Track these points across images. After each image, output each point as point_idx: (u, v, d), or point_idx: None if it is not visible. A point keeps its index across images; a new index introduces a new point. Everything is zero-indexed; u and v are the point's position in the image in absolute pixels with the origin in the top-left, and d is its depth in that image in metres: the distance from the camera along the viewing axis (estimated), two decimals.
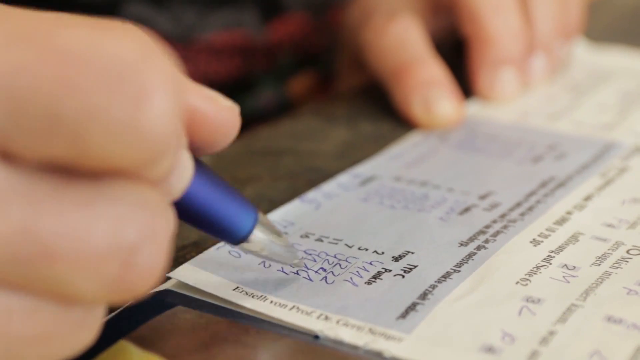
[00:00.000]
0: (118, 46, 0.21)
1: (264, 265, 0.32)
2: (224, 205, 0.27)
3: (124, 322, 0.29)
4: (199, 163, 0.27)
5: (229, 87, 0.57)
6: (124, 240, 0.21)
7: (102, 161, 0.21)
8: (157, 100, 0.21)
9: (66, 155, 0.21)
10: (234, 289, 0.30)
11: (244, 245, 0.29)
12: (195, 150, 0.27)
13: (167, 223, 0.22)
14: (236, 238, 0.28)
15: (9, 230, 0.21)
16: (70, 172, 0.21)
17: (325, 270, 0.32)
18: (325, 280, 0.31)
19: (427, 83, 0.46)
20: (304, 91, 0.62)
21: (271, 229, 0.29)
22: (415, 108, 0.46)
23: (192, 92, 0.26)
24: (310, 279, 0.31)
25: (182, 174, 0.25)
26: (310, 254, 0.33)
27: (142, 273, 0.22)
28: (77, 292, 0.22)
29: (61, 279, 0.21)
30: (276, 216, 0.35)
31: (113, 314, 0.30)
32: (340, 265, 0.32)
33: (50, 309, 0.22)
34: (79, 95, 0.20)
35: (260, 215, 0.29)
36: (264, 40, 0.59)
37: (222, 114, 0.27)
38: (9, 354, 0.22)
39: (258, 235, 0.29)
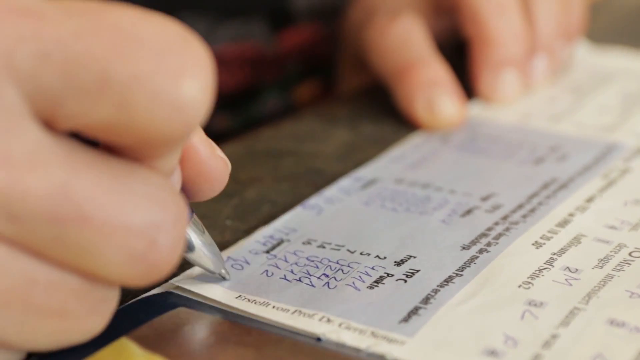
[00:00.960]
0: (163, 26, 0.23)
1: (267, 274, 0.32)
2: None
3: (125, 320, 0.29)
4: None
5: (236, 96, 0.57)
6: (153, 218, 0.23)
7: (143, 128, 0.22)
8: (196, 75, 0.23)
9: (112, 119, 0.22)
10: (236, 297, 0.30)
11: None
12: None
13: (184, 211, 0.24)
14: None
15: (48, 188, 0.22)
16: (106, 150, 0.23)
17: (327, 276, 0.32)
18: (328, 286, 0.31)
19: (430, 83, 0.46)
20: (309, 99, 0.62)
21: (202, 230, 0.30)
22: (418, 108, 0.46)
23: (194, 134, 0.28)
24: (312, 285, 0.31)
25: (178, 177, 0.27)
26: (313, 261, 0.33)
27: (164, 254, 0.23)
28: (103, 264, 0.23)
29: (90, 246, 0.23)
30: (278, 224, 0.35)
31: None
32: (342, 270, 0.32)
33: (73, 285, 0.23)
34: (128, 62, 0.22)
35: (195, 218, 0.30)
36: (273, 51, 0.59)
37: (215, 162, 0.28)
38: (24, 326, 0.24)
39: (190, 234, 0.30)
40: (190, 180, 0.28)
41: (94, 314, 0.24)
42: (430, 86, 0.46)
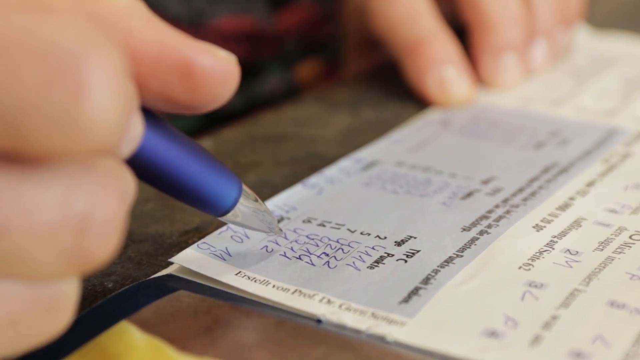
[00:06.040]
0: (56, 33, 0.20)
1: (267, 250, 0.32)
2: (208, 176, 0.27)
3: (126, 303, 0.29)
4: (180, 135, 0.27)
5: None
6: (74, 208, 0.21)
7: (43, 150, 0.20)
8: (96, 93, 0.20)
9: (6, 144, 0.20)
10: (236, 274, 0.30)
11: (227, 216, 0.29)
12: (198, 107, 0.27)
13: (118, 186, 0.22)
14: (222, 209, 0.28)
15: None
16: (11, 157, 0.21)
17: (327, 255, 0.32)
18: (328, 265, 0.31)
19: (442, 60, 0.47)
20: (311, 77, 0.61)
21: (251, 196, 0.30)
22: (430, 85, 0.46)
23: (186, 46, 0.26)
24: (312, 264, 0.31)
25: (130, 137, 0.25)
26: (313, 239, 0.33)
27: (98, 239, 0.22)
28: (36, 267, 0.21)
29: (17, 255, 0.21)
30: (278, 201, 0.35)
31: (114, 293, 0.30)
32: (342, 250, 0.32)
33: (15, 291, 0.22)
34: (16, 89, 0.19)
35: (243, 185, 0.29)
36: (272, 28, 0.59)
37: (220, 65, 0.26)
38: None
39: (241, 205, 0.29)
40: (205, 91, 0.26)
41: (49, 315, 0.23)
42: (442, 63, 0.46)
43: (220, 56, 0.26)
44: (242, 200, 0.29)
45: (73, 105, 0.20)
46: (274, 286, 0.30)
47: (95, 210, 0.21)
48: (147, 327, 0.28)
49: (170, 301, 0.29)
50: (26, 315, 0.22)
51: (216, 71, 0.26)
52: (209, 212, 0.29)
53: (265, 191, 0.38)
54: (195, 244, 0.32)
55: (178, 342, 0.27)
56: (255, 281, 0.30)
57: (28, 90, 0.19)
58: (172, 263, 0.31)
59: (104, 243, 0.22)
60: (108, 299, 0.29)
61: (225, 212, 0.29)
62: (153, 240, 0.34)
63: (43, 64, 0.19)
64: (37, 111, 0.19)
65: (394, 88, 0.49)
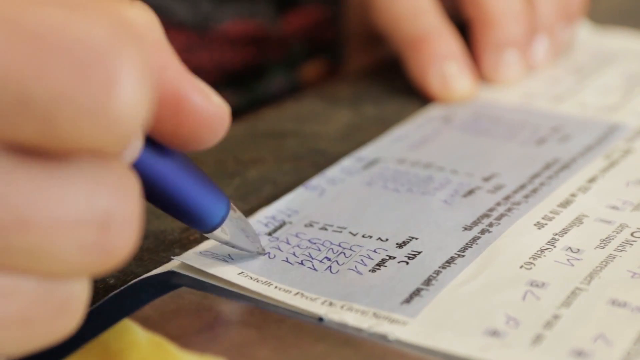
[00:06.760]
0: (89, 28, 0.20)
1: (269, 257, 0.32)
2: (197, 193, 0.28)
3: (128, 301, 0.29)
4: (170, 150, 0.27)
5: (241, 74, 0.57)
6: (97, 204, 0.22)
7: (71, 143, 0.21)
8: (126, 86, 0.20)
9: (35, 137, 0.20)
10: (238, 274, 0.30)
11: (214, 233, 0.29)
12: (181, 145, 0.27)
13: (135, 185, 0.23)
14: (209, 226, 0.29)
15: None
16: (37, 152, 0.21)
17: (329, 259, 0.32)
18: (330, 270, 0.31)
19: (444, 56, 0.47)
20: (315, 78, 0.62)
21: (239, 216, 0.30)
22: (432, 82, 0.46)
23: (185, 81, 0.26)
24: (314, 269, 0.31)
25: (131, 149, 0.25)
26: (315, 243, 0.33)
27: (119, 236, 0.22)
28: (56, 263, 0.22)
29: (39, 249, 0.21)
30: (280, 205, 0.35)
31: (116, 291, 0.30)
32: (344, 254, 0.32)
33: (30, 288, 0.22)
34: (49, 80, 0.20)
35: (231, 204, 0.29)
36: (278, 31, 0.59)
37: (211, 109, 0.27)
38: None
39: (228, 223, 0.29)
40: (190, 130, 0.27)
41: (60, 314, 0.23)
42: (444, 59, 0.46)
43: (214, 101, 0.27)
44: (229, 218, 0.29)
45: (104, 96, 0.20)
46: (276, 287, 0.30)
47: (117, 208, 0.22)
48: (149, 324, 0.28)
49: (172, 298, 0.29)
50: (38, 314, 0.22)
51: (206, 114, 0.26)
52: (196, 228, 0.29)
53: (267, 188, 0.38)
54: (198, 251, 0.32)
55: (180, 339, 0.27)
56: (257, 281, 0.30)
57: (61, 82, 0.20)
58: (173, 259, 0.31)
59: (124, 240, 0.22)
60: (110, 297, 0.29)
61: (212, 230, 0.29)
62: (154, 237, 0.34)
63: (76, 56, 0.20)
64: (69, 102, 0.20)
65: (395, 84, 0.49)
